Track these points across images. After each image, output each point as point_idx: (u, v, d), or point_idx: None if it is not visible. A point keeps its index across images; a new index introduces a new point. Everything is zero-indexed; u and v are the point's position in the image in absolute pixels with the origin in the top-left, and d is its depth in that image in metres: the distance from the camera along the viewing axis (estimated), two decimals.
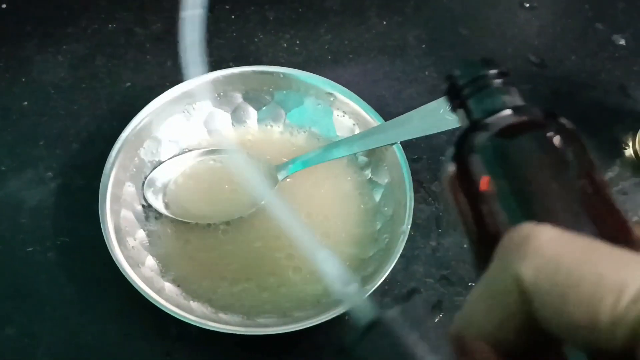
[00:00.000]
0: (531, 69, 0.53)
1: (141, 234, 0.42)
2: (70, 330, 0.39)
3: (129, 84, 0.51)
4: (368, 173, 0.45)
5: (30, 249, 0.42)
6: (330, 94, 0.45)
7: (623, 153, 0.49)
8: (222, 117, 0.46)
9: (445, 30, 0.56)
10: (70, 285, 0.41)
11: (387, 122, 0.43)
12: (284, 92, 0.46)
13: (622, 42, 0.55)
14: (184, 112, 0.45)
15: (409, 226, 0.40)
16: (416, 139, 0.48)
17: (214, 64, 0.52)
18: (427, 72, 0.52)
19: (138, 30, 0.54)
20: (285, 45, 0.53)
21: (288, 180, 0.44)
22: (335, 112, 0.46)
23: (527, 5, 0.57)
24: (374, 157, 0.44)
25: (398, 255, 0.38)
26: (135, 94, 0.50)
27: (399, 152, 0.42)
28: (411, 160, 0.46)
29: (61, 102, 0.49)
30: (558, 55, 0.54)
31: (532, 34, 0.56)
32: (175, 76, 0.51)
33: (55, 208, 0.44)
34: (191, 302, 0.39)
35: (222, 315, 0.39)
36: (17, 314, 0.40)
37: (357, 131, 0.45)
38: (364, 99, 0.45)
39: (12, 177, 0.45)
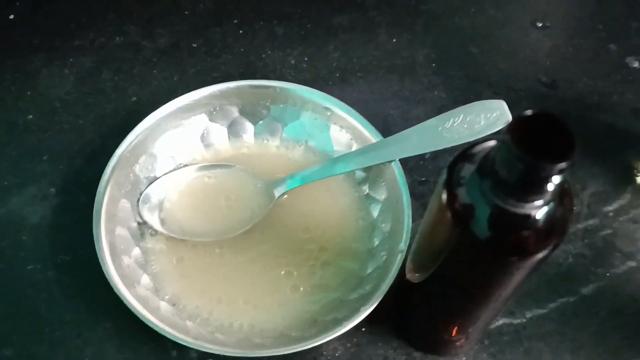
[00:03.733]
0: (541, 90, 0.53)
1: (136, 251, 0.41)
2: (68, 352, 0.39)
3: (135, 98, 0.50)
4: (366, 188, 0.44)
5: (30, 267, 0.42)
6: (327, 108, 0.45)
7: (634, 179, 0.48)
8: (219, 132, 0.46)
9: (455, 49, 0.55)
10: (69, 305, 0.41)
11: (385, 139, 0.43)
12: (281, 106, 0.46)
13: (636, 64, 0.54)
14: (179, 127, 0.45)
15: (407, 244, 0.39)
16: (423, 161, 0.47)
17: (220, 80, 0.51)
18: (435, 92, 0.52)
19: (145, 44, 0.54)
20: (293, 62, 0.53)
21: (285, 196, 0.43)
22: (333, 127, 0.46)
23: (540, 24, 0.56)
24: (372, 172, 0.44)
25: (395, 275, 0.38)
26: (141, 109, 0.49)
27: (396, 168, 0.42)
28: (418, 183, 0.46)
29: (66, 117, 0.49)
30: (569, 77, 0.53)
31: (543, 54, 0.55)
32: (182, 91, 0.50)
33: (56, 225, 0.44)
34: (187, 322, 0.39)
35: (218, 336, 0.38)
36: (16, 334, 0.39)
37: (354, 146, 0.45)
38: (371, 118, 0.45)
39: (15, 193, 0.45)
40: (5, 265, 0.42)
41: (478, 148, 0.28)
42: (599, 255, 0.44)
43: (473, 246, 0.27)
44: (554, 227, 0.27)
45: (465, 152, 0.29)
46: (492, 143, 0.28)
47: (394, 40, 0.55)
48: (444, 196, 0.28)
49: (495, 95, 0.52)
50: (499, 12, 0.58)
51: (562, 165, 0.23)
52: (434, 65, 0.53)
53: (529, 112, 0.24)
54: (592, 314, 0.42)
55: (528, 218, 0.26)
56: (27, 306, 0.40)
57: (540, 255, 0.27)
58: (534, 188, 0.25)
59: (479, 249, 0.27)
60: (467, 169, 0.28)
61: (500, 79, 0.53)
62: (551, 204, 0.26)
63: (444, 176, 0.29)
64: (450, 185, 0.28)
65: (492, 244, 0.26)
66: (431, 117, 0.50)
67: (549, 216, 0.26)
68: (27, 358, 0.39)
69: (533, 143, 0.23)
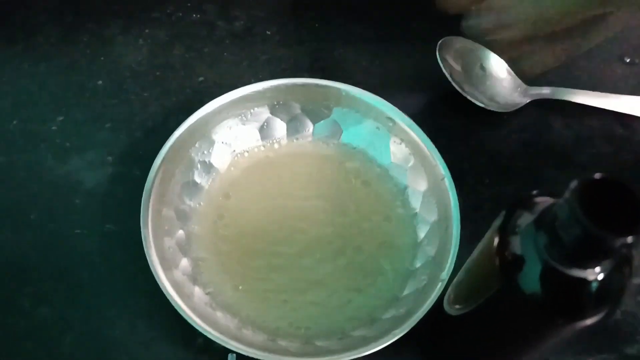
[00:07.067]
0: (617, 130, 0.50)
1: (180, 234, 0.41)
2: (101, 321, 0.40)
3: (202, 78, 0.51)
4: (416, 206, 0.43)
5: (78, 231, 0.43)
6: (391, 119, 0.44)
7: None
8: (278, 126, 0.46)
9: None
10: (108, 276, 0.41)
11: None
12: (344, 109, 0.45)
13: None
14: (240, 115, 0.45)
15: (449, 274, 0.38)
16: (481, 186, 0.46)
17: (288, 72, 0.51)
18: (504, 115, 0.50)
19: (220, 25, 0.54)
20: (364, 63, 0.52)
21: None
22: (393, 138, 0.45)
23: (627, 60, 0.53)
24: (426, 193, 0.43)
25: (432, 303, 0.37)
26: (206, 90, 0.50)
27: (451, 193, 0.41)
28: (472, 209, 0.45)
29: (133, 87, 0.50)
30: None
31: (626, 92, 0.52)
32: (249, 78, 0.51)
33: (108, 194, 0.44)
34: (218, 312, 0.39)
35: (245, 331, 0.38)
36: (55, 296, 0.40)
37: (412, 161, 0.44)
38: (434, 133, 0.43)
39: (75, 155, 0.46)
40: (55, 226, 0.43)
41: (541, 198, 0.27)
42: None
43: (516, 299, 0.26)
44: (608, 296, 0.25)
45: (526, 199, 0.27)
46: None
47: None
48: (496, 241, 0.27)
49: (565, 128, 0.50)
50: None
51: (629, 239, 0.21)
52: None
53: (598, 175, 0.22)
54: None
55: (580, 283, 0.24)
56: (69, 270, 0.41)
57: (587, 322, 0.25)
58: (593, 256, 0.23)
59: (523, 304, 0.26)
60: (525, 218, 0.27)
61: (574, 111, 0.51)
62: (608, 271, 0.24)
63: (499, 219, 0.27)
64: (504, 232, 0.27)
65: (537, 302, 0.25)
66: (493, 139, 0.49)
67: (604, 284, 0.25)
68: (61, 320, 0.40)
69: (599, 208, 0.22)
